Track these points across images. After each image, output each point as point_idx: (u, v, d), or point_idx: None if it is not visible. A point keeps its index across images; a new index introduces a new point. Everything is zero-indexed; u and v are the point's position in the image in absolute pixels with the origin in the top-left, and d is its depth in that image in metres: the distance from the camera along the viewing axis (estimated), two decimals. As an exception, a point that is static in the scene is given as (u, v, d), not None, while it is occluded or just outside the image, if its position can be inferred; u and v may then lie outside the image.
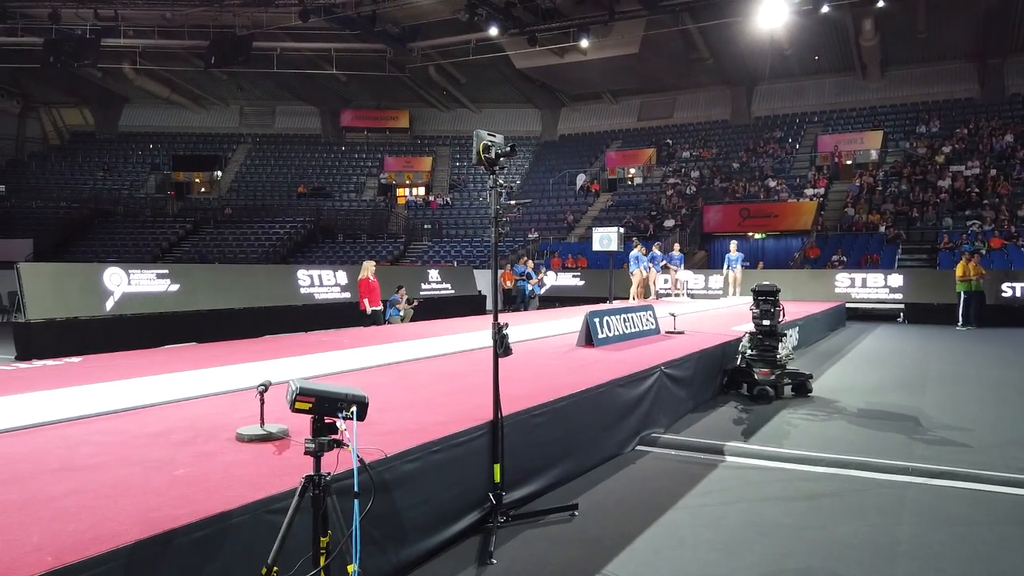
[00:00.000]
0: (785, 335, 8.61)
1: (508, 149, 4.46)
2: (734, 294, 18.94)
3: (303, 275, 15.71)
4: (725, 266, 19.29)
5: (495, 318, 4.32)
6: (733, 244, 19.55)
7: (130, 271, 11.08)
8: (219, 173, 38.18)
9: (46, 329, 9.59)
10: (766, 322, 8.35)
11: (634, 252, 17.53)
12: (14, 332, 10.16)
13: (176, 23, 28.37)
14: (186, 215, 33.91)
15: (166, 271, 11.70)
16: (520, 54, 28.80)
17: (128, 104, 39.27)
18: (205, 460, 3.52)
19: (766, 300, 8.40)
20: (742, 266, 19.22)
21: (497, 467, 4.14)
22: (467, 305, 19.62)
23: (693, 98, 35.35)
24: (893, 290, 19.72)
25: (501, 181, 4.50)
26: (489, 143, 4.38)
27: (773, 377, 8.15)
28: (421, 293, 18.53)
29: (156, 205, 35.15)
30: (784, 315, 8.54)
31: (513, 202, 30.81)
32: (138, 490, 3.09)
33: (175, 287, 11.37)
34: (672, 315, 9.97)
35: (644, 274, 17.50)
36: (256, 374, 5.78)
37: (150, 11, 27.87)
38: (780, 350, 8.34)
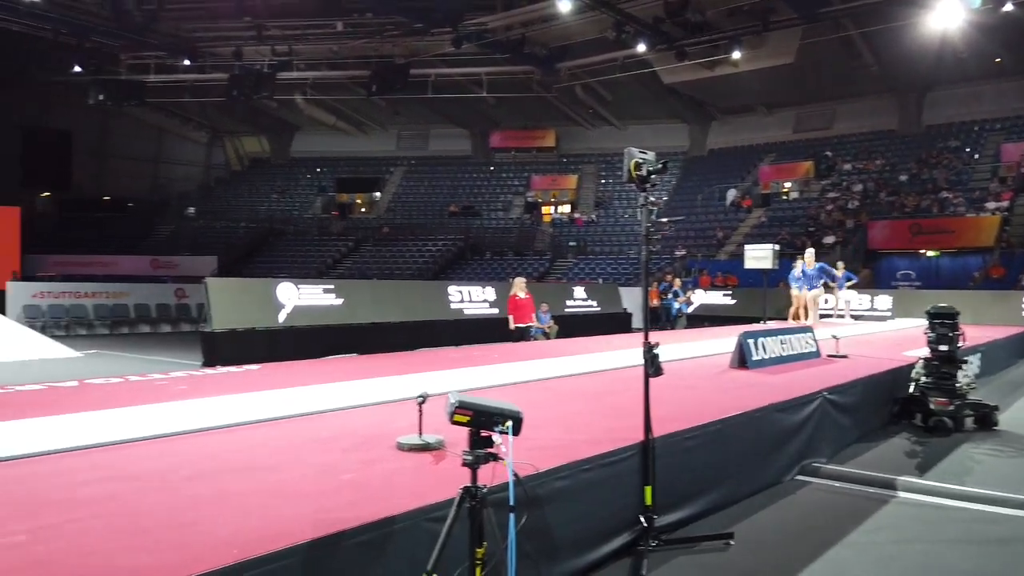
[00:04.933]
0: (965, 362, 7.86)
1: (660, 166, 4.41)
2: (805, 318, 15.58)
3: (454, 291, 16.25)
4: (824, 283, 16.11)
5: (646, 337, 4.26)
6: (806, 256, 15.56)
7: (300, 286, 11.98)
8: (378, 194, 40.44)
9: (228, 338, 10.54)
10: (943, 347, 7.65)
11: (794, 271, 16.45)
12: (201, 340, 11.23)
13: (341, 55, 30.44)
14: (348, 234, 36.15)
15: (332, 286, 12.53)
16: (668, 69, 28.39)
17: (299, 132, 42.52)
18: (369, 467, 3.72)
19: (943, 323, 7.71)
20: (836, 284, 17.11)
21: (648, 489, 4.07)
22: (612, 323, 19.47)
23: (855, 107, 33.23)
24: (1097, 314, 17.48)
25: (652, 198, 4.46)
26: (640, 160, 4.35)
27: (952, 407, 7.44)
28: (566, 310, 18.60)
29: (322, 225, 37.74)
30: (964, 340, 7.80)
31: (665, 219, 30.29)
32: (310, 492, 3.31)
33: (339, 301, 12.14)
34: (834, 337, 9.38)
35: (801, 293, 16.33)
36: (412, 385, 6.03)
37: (319, 45, 30.11)
38: (960, 378, 7.62)
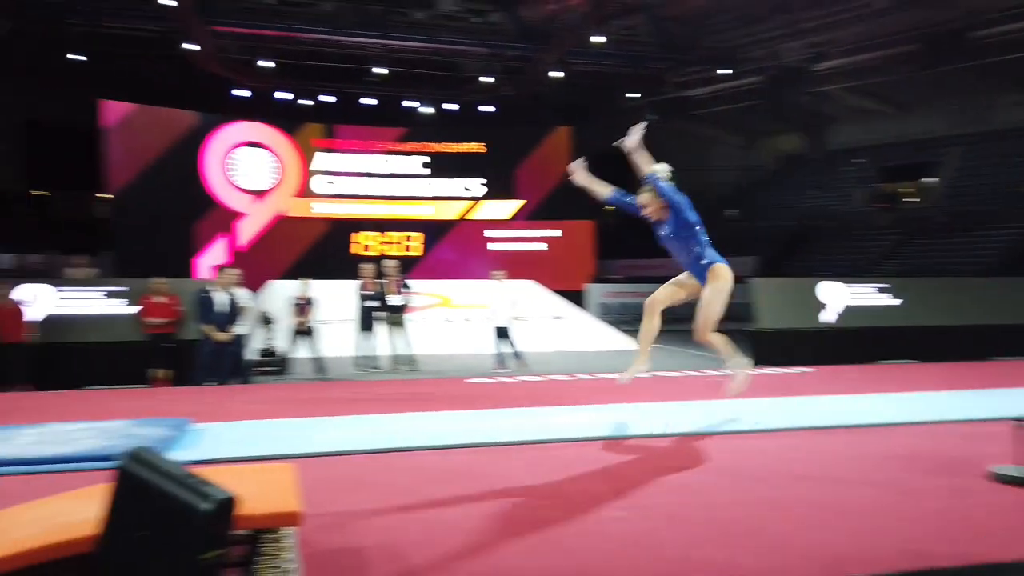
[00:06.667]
0: None
1: None
2: None
3: (1037, 289, 13.34)
4: None
5: None
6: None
7: (850, 284, 11.41)
8: (930, 180, 36.04)
9: (773, 338, 10.62)
10: None
11: None
12: (749, 339, 11.55)
13: (879, 34, 28.11)
14: (896, 226, 33.12)
15: (887, 285, 11.62)
16: None
17: (834, 122, 40.68)
18: (957, 496, 3.34)
19: None
20: None
21: None
22: None
23: None
24: None
25: None
26: None
27: None
28: None
29: (864, 218, 35.42)
30: None
31: None
32: (890, 513, 3.13)
33: (897, 301, 11.17)
34: None
35: None
36: (993, 403, 5.21)
37: (852, 29, 28.37)
38: None
